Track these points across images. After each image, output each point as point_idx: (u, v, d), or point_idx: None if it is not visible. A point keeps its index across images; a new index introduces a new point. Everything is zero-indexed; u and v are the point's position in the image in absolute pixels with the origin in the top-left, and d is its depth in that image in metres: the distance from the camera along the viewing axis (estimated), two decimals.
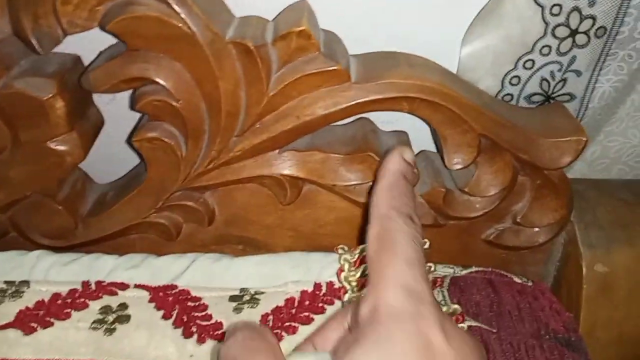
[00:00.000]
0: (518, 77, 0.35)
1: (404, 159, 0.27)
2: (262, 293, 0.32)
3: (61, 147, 0.32)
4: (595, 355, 0.34)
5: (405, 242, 0.23)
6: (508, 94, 0.35)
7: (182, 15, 0.27)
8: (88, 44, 0.33)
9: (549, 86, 0.35)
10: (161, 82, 0.30)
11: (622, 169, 0.42)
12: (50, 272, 0.33)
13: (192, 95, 0.30)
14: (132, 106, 0.31)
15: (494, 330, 0.31)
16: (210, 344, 0.30)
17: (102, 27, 0.28)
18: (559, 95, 0.36)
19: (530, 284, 0.35)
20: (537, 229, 0.35)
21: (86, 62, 0.34)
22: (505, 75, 0.35)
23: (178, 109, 0.30)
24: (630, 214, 0.36)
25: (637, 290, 0.34)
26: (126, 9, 0.27)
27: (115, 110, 0.38)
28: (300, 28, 0.28)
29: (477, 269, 0.35)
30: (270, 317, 0.30)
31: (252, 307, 0.31)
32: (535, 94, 0.35)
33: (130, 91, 0.35)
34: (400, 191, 0.25)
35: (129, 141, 0.35)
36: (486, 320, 0.31)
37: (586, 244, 0.35)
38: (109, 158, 0.41)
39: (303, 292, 0.31)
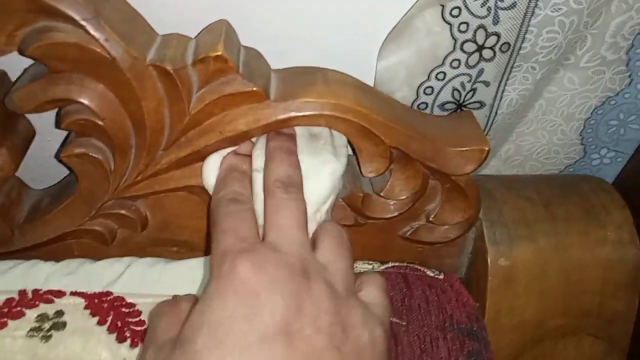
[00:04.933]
0: (431, 87, 0.37)
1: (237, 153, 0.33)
2: None
3: None
4: (500, 339, 0.39)
5: (223, 216, 0.28)
6: (423, 103, 0.38)
7: (101, 42, 0.28)
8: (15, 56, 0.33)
9: (460, 95, 0.38)
10: (85, 102, 0.31)
11: (534, 165, 0.46)
12: None
13: (117, 113, 0.31)
14: (58, 125, 0.32)
15: (404, 324, 0.34)
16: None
17: (21, 52, 0.29)
18: (470, 103, 0.38)
19: (441, 276, 0.38)
20: (448, 227, 0.38)
21: (16, 73, 0.35)
22: (420, 86, 0.37)
23: (103, 127, 0.32)
24: (533, 212, 0.39)
25: (535, 281, 0.38)
26: (44, 36, 0.28)
27: (48, 116, 0.39)
28: (216, 53, 0.29)
29: (393, 264, 0.38)
30: None
31: None
32: (447, 102, 0.38)
33: None
34: (228, 181, 0.31)
35: (57, 156, 0.36)
36: (397, 313, 0.35)
37: (491, 241, 0.38)
38: (44, 163, 0.42)
39: None
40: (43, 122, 0.38)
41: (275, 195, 0.28)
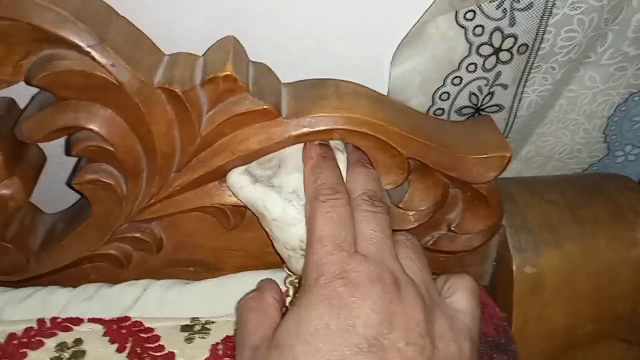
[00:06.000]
0: (447, 93, 0.36)
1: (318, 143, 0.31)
2: (213, 323, 0.33)
3: (3, 192, 0.33)
4: (529, 349, 0.37)
5: (321, 218, 0.28)
6: (439, 109, 0.37)
7: (107, 67, 0.28)
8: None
9: (478, 99, 0.36)
10: (94, 129, 0.30)
11: (556, 165, 0.45)
12: (5, 311, 0.34)
13: (126, 138, 0.31)
14: (68, 152, 0.32)
15: None
16: None
17: (28, 82, 0.29)
18: (488, 107, 0.37)
19: None
20: (470, 235, 0.37)
21: (24, 99, 0.34)
22: (435, 92, 0.36)
23: (114, 153, 0.31)
24: (558, 217, 0.38)
25: (564, 288, 0.37)
26: (50, 65, 0.28)
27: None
28: (225, 73, 0.28)
29: None
30: (220, 347, 0.32)
31: (202, 337, 0.32)
32: (465, 107, 0.37)
33: None
34: (322, 169, 0.30)
35: (68, 183, 0.35)
36: None
37: (516, 248, 0.37)
38: (57, 185, 0.42)
39: None
40: (54, 144, 0.37)
41: (362, 207, 0.29)
